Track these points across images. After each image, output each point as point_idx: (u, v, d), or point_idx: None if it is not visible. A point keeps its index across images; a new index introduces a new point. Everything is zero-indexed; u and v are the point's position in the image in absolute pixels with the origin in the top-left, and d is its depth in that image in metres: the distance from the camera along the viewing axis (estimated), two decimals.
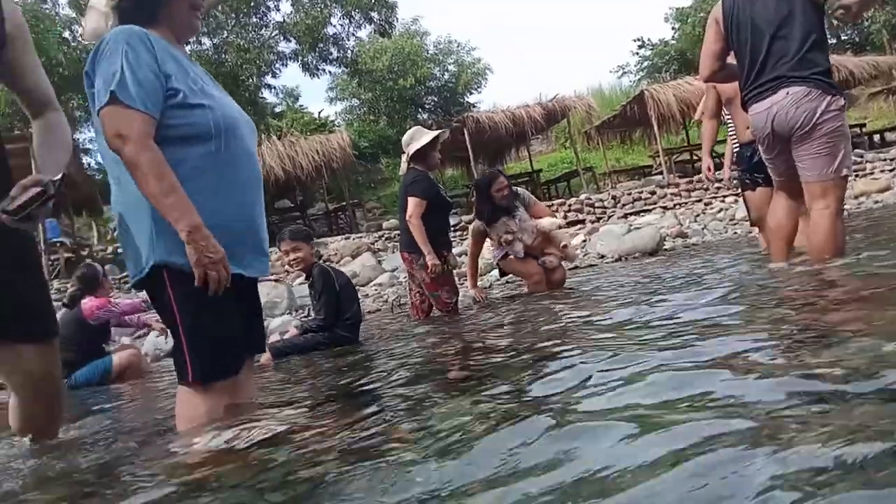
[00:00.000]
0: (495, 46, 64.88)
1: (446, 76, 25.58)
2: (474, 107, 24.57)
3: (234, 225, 1.71)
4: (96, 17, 1.73)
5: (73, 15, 16.03)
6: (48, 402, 1.85)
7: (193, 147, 1.64)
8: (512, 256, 5.11)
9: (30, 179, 1.55)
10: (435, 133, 4.88)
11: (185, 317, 1.64)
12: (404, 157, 4.92)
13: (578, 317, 2.78)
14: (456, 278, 5.05)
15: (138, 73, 1.54)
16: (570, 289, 4.79)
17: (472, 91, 25.93)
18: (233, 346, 1.74)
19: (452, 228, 12.36)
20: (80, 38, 16.02)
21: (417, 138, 4.83)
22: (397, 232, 6.63)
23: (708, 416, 0.99)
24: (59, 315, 5.22)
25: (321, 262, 4.39)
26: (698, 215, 11.62)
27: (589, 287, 4.66)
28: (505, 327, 3.16)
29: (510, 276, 6.16)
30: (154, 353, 6.07)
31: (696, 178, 13.91)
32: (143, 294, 5.85)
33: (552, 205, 13.42)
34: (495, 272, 6.64)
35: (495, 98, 32.68)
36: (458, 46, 26.39)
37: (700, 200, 13.10)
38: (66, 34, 15.81)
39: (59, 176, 1.60)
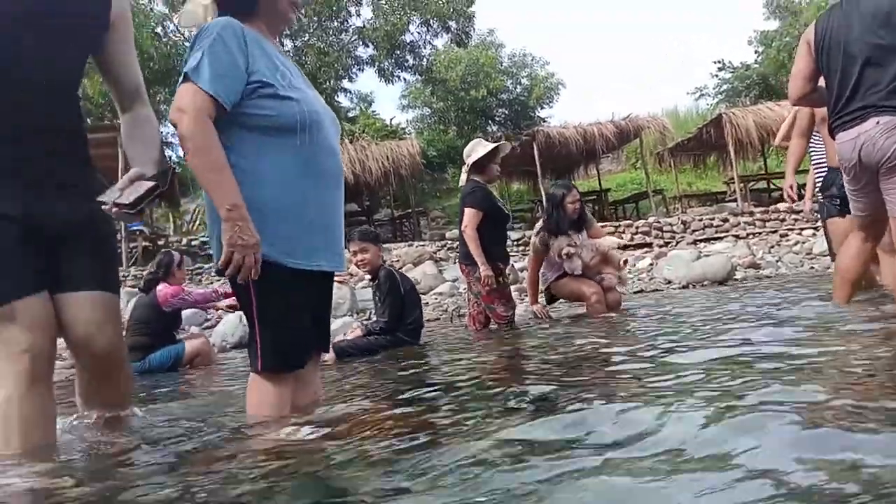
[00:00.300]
0: (569, 62, 64.49)
1: (518, 89, 25.59)
2: (545, 121, 24.48)
3: (313, 217, 1.75)
4: (195, 5, 1.81)
5: (166, 11, 16.88)
6: (108, 363, 1.73)
7: (280, 137, 1.69)
8: (566, 278, 5.03)
9: (134, 173, 1.61)
10: (494, 145, 4.93)
11: (261, 306, 1.70)
12: (465, 168, 5.01)
13: (639, 348, 2.70)
14: (515, 293, 5.05)
15: (216, 60, 1.61)
16: (631, 314, 4.67)
17: (544, 105, 25.88)
18: (302, 339, 1.80)
19: (516, 242, 12.33)
20: (171, 35, 16.87)
21: (477, 150, 4.90)
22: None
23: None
24: (135, 299, 5.52)
25: (388, 265, 4.44)
26: (773, 246, 11.17)
27: (653, 314, 4.54)
28: (560, 351, 3.11)
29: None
30: (221, 343, 6.26)
31: (772, 207, 13.40)
32: (216, 285, 6.04)
33: (619, 225, 13.20)
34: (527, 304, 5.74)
35: (566, 114, 32.61)
36: (532, 60, 26.40)
37: (776, 231, 12.60)
38: (159, 29, 16.62)
39: (169, 171, 1.67)
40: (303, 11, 15.79)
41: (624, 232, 13.02)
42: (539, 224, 5.29)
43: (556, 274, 5.11)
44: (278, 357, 1.74)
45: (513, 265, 4.95)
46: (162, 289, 4.76)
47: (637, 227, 13.19)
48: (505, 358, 3.22)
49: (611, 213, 16.85)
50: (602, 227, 12.96)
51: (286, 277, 1.70)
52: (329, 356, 3.73)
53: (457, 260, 5.70)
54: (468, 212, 4.67)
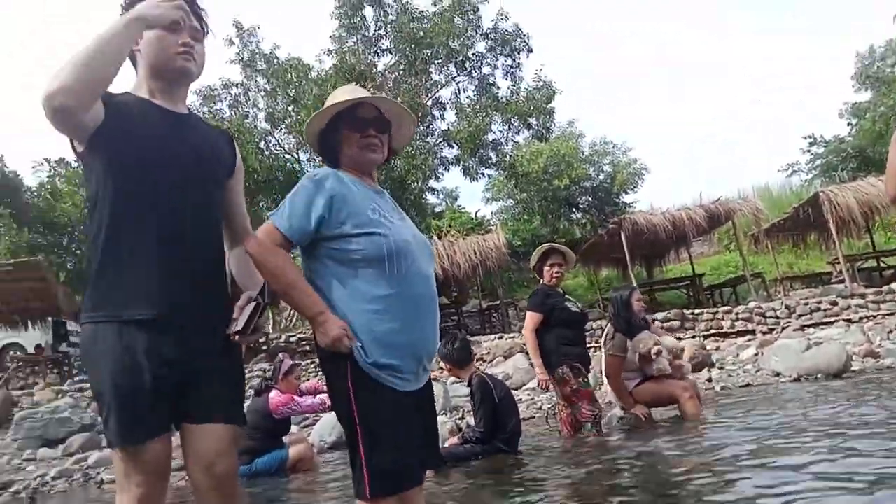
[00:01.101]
0: (653, 145, 64.35)
1: (601, 176, 25.71)
2: (630, 206, 24.31)
3: (403, 339, 1.86)
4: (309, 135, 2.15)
5: (268, 127, 18.44)
6: (224, 488, 1.77)
7: (367, 268, 1.87)
8: (649, 382, 4.89)
9: (242, 299, 1.83)
10: (544, 249, 5.16)
11: (364, 427, 1.79)
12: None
13: (746, 469, 2.58)
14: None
15: (292, 205, 1.89)
16: (739, 417, 4.45)
17: (628, 191, 25.77)
18: (410, 459, 1.83)
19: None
20: (272, 148, 18.34)
21: (532, 257, 5.18)
22: None
23: None
24: (247, 403, 5.80)
25: (480, 370, 4.50)
26: (891, 331, 10.36)
27: (764, 419, 4.30)
28: (659, 469, 3.01)
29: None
30: (319, 444, 6.41)
31: (885, 287, 12.51)
32: (316, 381, 6.25)
33: (717, 312, 12.70)
34: (616, 410, 5.26)
35: (653, 197, 32.34)
36: (613, 147, 26.60)
37: (893, 314, 11.71)
38: (262, 144, 18.11)
39: (263, 283, 1.86)
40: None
41: (723, 318, 12.51)
42: (608, 328, 5.17)
43: (636, 379, 4.98)
44: (386, 481, 1.76)
45: (590, 364, 4.93)
46: (274, 396, 4.95)
47: (737, 314, 12.61)
48: (604, 473, 3.15)
49: (707, 299, 16.22)
50: (694, 313, 12.55)
51: (386, 396, 1.79)
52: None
53: None
54: (527, 315, 4.91)
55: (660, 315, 12.27)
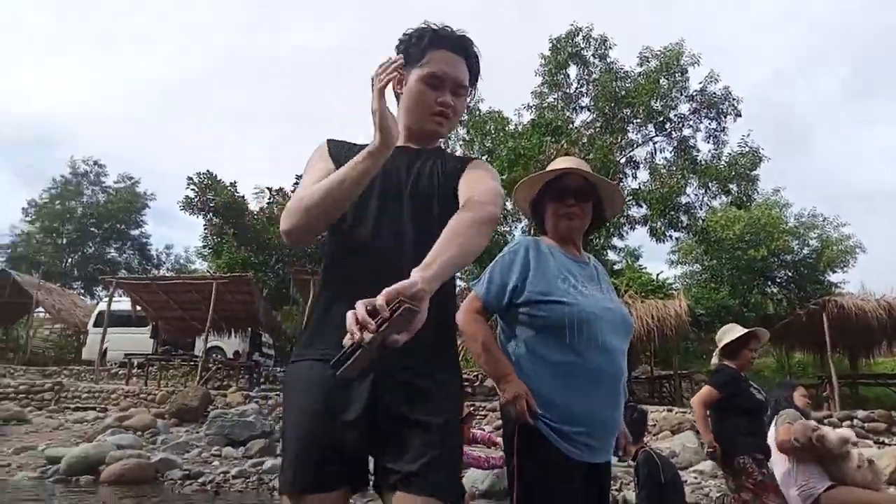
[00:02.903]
0: (870, 220, 57.25)
1: (805, 250, 23.53)
2: (837, 287, 21.94)
3: (576, 409, 1.91)
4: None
5: None
6: None
7: (548, 335, 1.99)
8: (845, 487, 4.33)
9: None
10: (749, 330, 4.69)
11: (522, 483, 1.88)
12: (716, 352, 4.84)
13: None
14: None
15: (491, 275, 2.10)
16: None
17: (837, 270, 23.29)
18: None
19: None
20: None
21: (729, 334, 4.67)
22: None
23: None
24: None
25: (648, 446, 4.43)
26: None
27: None
28: None
29: None
30: (471, 489, 6.60)
31: None
32: (490, 432, 6.47)
33: None
34: None
35: (865, 278, 28.42)
36: (823, 220, 24.28)
37: None
38: None
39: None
40: None
41: None
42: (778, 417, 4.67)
43: (825, 482, 4.37)
44: None
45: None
46: None
47: None
48: None
49: None
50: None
51: (549, 455, 1.88)
52: None
53: None
54: (704, 388, 4.52)
55: (860, 413, 10.93)
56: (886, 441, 10.01)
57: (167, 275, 24.78)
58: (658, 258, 40.53)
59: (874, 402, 14.43)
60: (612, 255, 21.71)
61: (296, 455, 1.45)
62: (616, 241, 20.11)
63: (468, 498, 6.09)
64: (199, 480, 6.78)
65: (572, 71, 18.81)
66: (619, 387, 2.03)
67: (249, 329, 17.53)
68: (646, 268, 24.82)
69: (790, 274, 23.50)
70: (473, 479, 6.77)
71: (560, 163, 2.26)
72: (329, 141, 1.71)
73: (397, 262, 1.38)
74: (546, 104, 18.78)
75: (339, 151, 1.63)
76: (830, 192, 57.90)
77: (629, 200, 18.64)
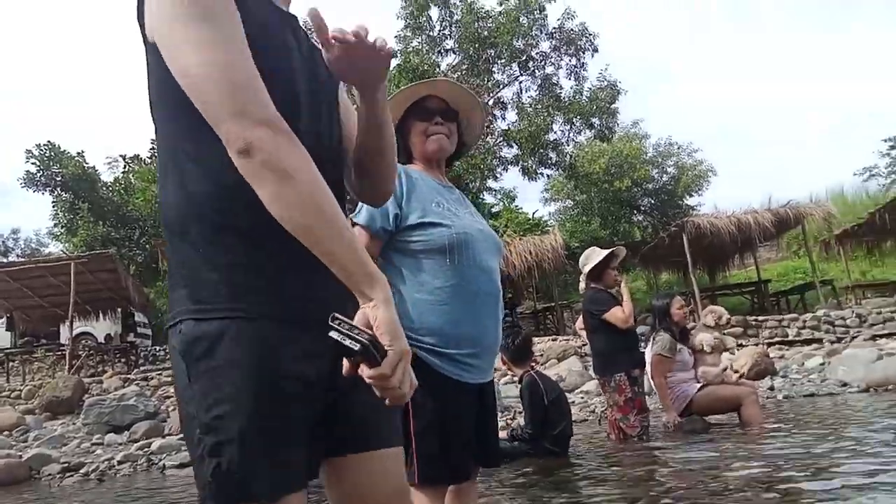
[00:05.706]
0: (721, 147, 62.36)
1: (665, 178, 25.09)
2: (694, 210, 23.65)
3: (462, 331, 1.88)
4: None
5: None
6: None
7: (430, 259, 1.91)
8: (710, 387, 4.83)
9: None
10: (608, 251, 5.01)
11: (416, 414, 1.81)
12: (582, 277, 5.08)
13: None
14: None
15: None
16: (793, 425, 4.34)
17: (693, 193, 25.07)
18: (460, 450, 1.86)
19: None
20: None
21: (592, 258, 5.00)
22: None
23: None
24: None
25: (533, 370, 4.50)
26: None
27: (826, 429, 4.18)
28: (709, 475, 2.99)
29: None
30: None
31: None
32: None
33: (782, 319, 12.29)
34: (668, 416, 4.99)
35: (718, 200, 31.16)
36: (678, 148, 25.89)
37: None
38: None
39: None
40: None
41: (789, 326, 12.10)
42: (656, 336, 5.03)
43: (695, 385, 4.90)
44: (434, 468, 1.80)
45: (644, 369, 4.87)
46: None
47: (804, 322, 12.17)
48: (651, 479, 3.15)
49: (772, 306, 15.66)
50: (758, 320, 12.15)
51: (438, 384, 1.81)
52: None
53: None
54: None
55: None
56: (743, 343, 11.02)
57: (15, 260, 22.42)
58: (532, 198, 41.88)
59: (732, 310, 15.85)
60: (489, 198, 22.07)
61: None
62: (491, 184, 20.41)
63: None
64: (81, 471, 6.35)
65: (434, 13, 18.53)
66: (499, 306, 2.01)
67: (119, 310, 16.49)
68: (522, 207, 25.56)
69: (653, 201, 25.06)
70: None
71: (423, 85, 2.14)
72: None
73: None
74: (411, 48, 18.42)
75: None
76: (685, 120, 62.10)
77: (500, 142, 18.90)
